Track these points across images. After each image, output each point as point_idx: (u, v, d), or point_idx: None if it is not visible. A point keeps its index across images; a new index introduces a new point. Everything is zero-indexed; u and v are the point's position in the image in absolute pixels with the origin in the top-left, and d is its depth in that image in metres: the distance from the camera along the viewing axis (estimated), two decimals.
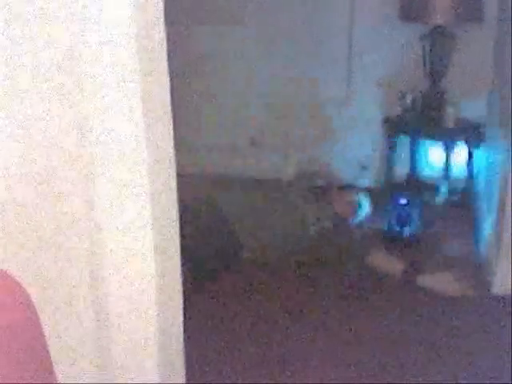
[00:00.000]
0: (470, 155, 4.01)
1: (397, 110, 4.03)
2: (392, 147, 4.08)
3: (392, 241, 3.58)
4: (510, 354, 2.68)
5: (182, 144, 1.86)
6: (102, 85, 1.32)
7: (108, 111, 1.33)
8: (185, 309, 1.62)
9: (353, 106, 4.26)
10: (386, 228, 3.63)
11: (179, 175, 1.57)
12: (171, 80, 1.47)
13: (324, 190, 3.63)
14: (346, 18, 4.11)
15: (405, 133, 4.10)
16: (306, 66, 4.23)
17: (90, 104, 1.33)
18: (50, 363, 1.19)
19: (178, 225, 1.57)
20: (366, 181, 4.20)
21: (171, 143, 1.50)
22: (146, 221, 1.40)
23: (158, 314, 1.48)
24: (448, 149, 3.90)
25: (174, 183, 1.54)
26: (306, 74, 4.24)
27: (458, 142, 3.95)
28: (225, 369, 2.64)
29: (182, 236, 1.63)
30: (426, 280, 3.17)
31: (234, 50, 4.32)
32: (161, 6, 1.41)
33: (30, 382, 1.09)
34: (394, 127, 4.06)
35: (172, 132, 1.50)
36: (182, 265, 1.63)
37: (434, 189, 4.01)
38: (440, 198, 3.95)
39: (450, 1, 3.67)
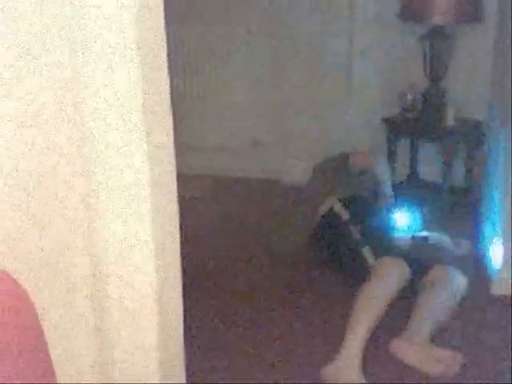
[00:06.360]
0: (470, 155, 4.01)
1: (397, 110, 4.03)
2: (392, 147, 4.07)
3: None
4: (510, 353, 2.68)
5: (181, 144, 1.86)
6: (101, 85, 1.32)
7: (107, 112, 1.33)
8: (185, 309, 1.62)
9: (353, 106, 4.25)
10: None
11: (179, 175, 1.57)
12: (171, 80, 1.47)
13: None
14: (345, 18, 4.11)
15: (405, 133, 4.10)
16: (306, 66, 4.23)
17: (88, 105, 1.33)
18: (50, 363, 1.19)
19: (178, 225, 1.57)
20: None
21: (171, 143, 1.50)
22: (146, 221, 1.40)
23: (158, 315, 1.47)
24: (448, 149, 3.90)
25: (174, 183, 1.54)
26: (306, 74, 4.24)
27: (458, 142, 3.95)
28: (225, 369, 2.64)
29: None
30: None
31: (235, 51, 4.32)
32: (161, 5, 1.41)
33: (30, 381, 1.09)
34: (394, 127, 4.06)
35: (172, 132, 1.50)
36: (183, 265, 1.63)
37: (434, 189, 4.01)
38: (440, 198, 3.94)
39: (450, 1, 3.67)
